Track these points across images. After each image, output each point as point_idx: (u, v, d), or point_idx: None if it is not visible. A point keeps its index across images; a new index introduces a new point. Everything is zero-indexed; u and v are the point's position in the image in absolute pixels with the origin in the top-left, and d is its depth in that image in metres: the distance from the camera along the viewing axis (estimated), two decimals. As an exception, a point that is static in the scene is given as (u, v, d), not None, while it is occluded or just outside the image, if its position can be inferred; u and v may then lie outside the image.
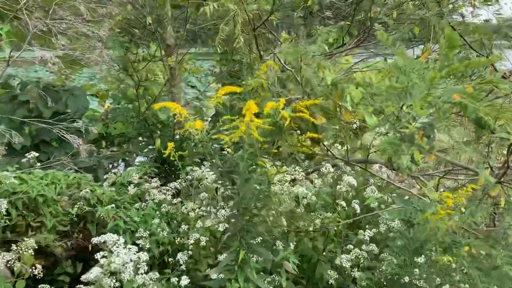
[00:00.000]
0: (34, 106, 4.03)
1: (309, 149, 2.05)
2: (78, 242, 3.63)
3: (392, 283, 2.49)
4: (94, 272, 2.03)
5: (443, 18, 2.41)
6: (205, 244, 2.73)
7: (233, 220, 2.09)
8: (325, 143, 2.93)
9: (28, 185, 3.07)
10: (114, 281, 2.05)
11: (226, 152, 2.35)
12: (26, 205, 3.16)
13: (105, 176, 3.95)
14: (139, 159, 5.11)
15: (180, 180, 3.50)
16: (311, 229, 2.77)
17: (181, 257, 2.77)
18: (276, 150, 2.02)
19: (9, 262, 2.12)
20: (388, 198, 3.13)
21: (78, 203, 3.23)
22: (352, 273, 2.74)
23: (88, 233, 3.61)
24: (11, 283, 2.05)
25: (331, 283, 2.74)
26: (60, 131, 2.41)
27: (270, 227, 2.26)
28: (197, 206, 3.03)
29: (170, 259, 2.86)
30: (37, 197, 3.09)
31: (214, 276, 2.20)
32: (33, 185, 3.08)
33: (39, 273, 2.19)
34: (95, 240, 2.52)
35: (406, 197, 2.29)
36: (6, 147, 4.22)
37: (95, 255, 2.25)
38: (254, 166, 1.84)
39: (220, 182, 2.01)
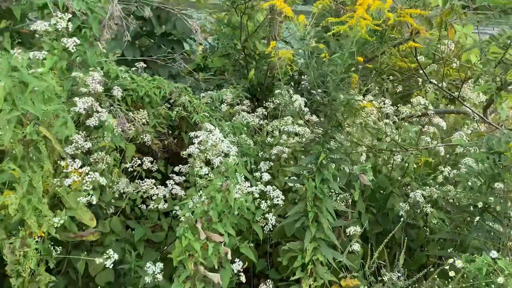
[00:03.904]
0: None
1: (405, 68, 2.07)
2: (171, 148, 4.04)
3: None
4: (191, 148, 2.31)
5: None
6: (286, 156, 2.93)
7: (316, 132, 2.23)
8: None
9: (138, 85, 3.44)
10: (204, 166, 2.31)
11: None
12: (134, 103, 3.57)
13: (202, 95, 4.27)
14: (232, 91, 5.40)
15: (268, 103, 3.70)
16: (391, 161, 2.83)
17: (263, 165, 2.99)
18: (370, 66, 2.09)
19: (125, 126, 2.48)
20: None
21: (177, 108, 3.56)
22: (424, 208, 2.78)
23: (180, 142, 4.00)
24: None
25: (401, 214, 2.81)
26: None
27: (352, 139, 2.37)
28: (282, 125, 3.22)
29: (253, 166, 3.10)
30: (144, 97, 3.46)
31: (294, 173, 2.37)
32: (142, 85, 3.45)
33: (148, 141, 2.56)
34: (191, 134, 2.83)
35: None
36: (119, 57, 4.70)
37: (193, 137, 2.51)
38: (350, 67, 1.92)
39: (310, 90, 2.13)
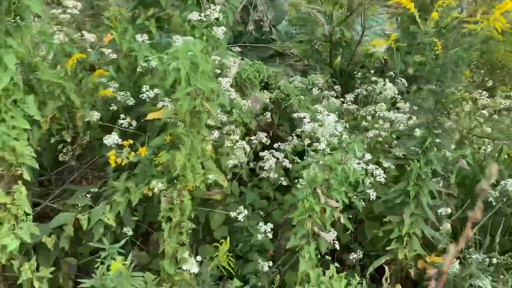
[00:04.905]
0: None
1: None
2: (262, 127, 4.39)
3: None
4: (306, 127, 2.63)
5: None
6: (382, 139, 3.17)
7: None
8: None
9: (242, 68, 3.79)
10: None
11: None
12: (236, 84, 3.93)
13: (292, 78, 4.57)
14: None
15: (358, 90, 3.94)
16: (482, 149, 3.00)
17: (355, 147, 3.26)
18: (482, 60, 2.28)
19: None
20: None
21: (276, 91, 3.89)
22: (513, 196, 2.94)
23: (271, 123, 4.35)
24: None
25: (491, 200, 2.98)
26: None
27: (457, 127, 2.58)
28: (377, 110, 3.45)
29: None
30: (246, 79, 3.80)
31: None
32: (245, 69, 3.79)
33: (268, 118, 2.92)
34: (295, 115, 3.16)
35: None
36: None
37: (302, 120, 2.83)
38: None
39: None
